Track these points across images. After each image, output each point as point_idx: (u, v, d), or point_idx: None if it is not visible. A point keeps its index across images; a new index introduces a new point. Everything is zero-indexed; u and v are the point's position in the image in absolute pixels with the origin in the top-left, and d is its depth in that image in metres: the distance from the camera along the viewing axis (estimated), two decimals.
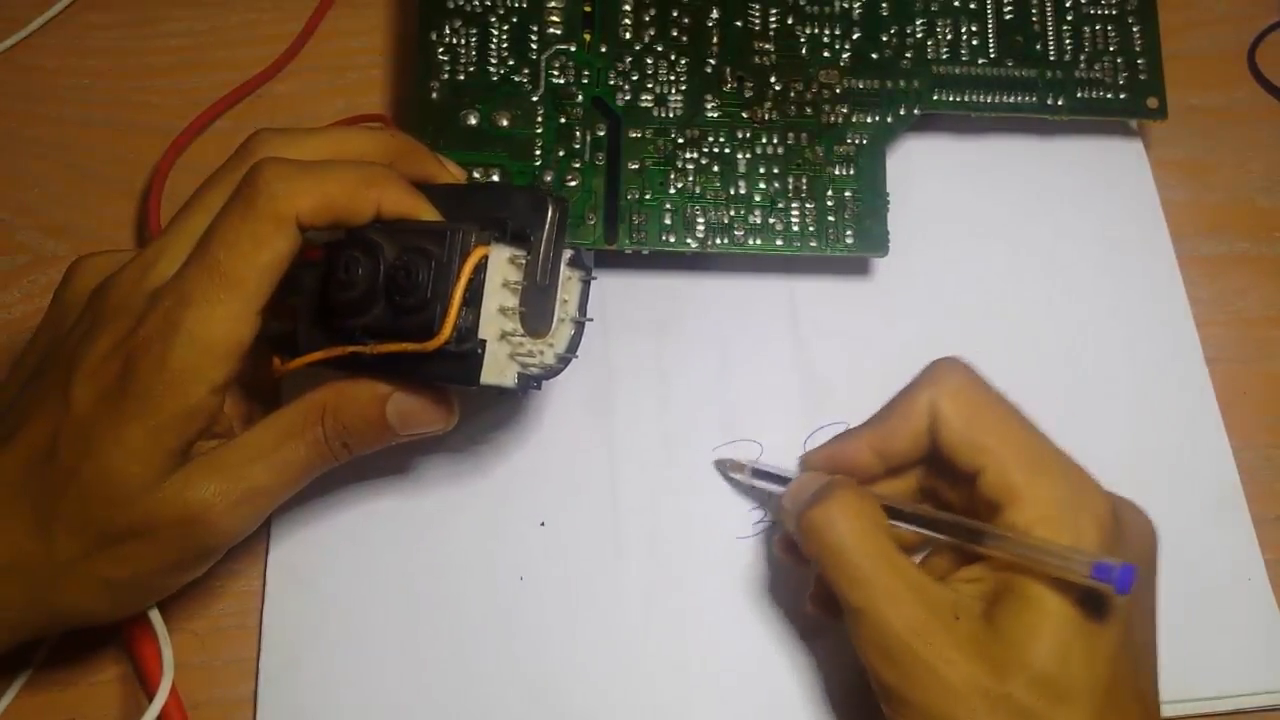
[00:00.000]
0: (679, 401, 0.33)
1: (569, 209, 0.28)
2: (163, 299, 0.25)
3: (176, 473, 0.25)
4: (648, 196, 0.33)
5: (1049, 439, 0.27)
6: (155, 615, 0.29)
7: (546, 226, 0.27)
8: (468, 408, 0.33)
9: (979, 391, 0.27)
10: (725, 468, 0.32)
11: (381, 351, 0.26)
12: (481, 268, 0.25)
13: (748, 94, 0.35)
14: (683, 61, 0.35)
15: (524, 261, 0.26)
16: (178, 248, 0.26)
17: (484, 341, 0.25)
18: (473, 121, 0.34)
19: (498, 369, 0.26)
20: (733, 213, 0.34)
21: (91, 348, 0.25)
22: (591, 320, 0.28)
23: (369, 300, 0.26)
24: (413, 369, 0.26)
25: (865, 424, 0.29)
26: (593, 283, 0.28)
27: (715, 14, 0.35)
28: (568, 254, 0.27)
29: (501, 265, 0.26)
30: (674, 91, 0.34)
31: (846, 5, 0.36)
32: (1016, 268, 0.35)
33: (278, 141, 0.27)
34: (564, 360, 0.28)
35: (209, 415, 0.25)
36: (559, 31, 0.35)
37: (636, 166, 0.34)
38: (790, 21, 0.35)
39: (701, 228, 0.33)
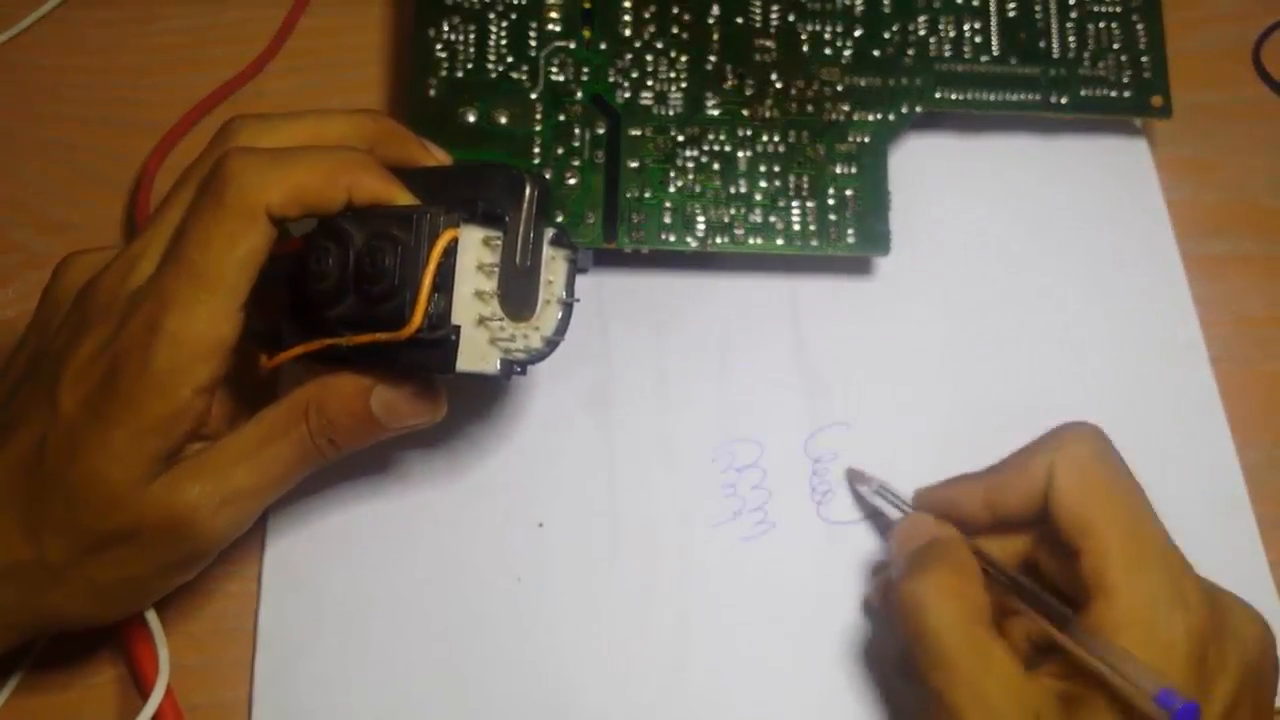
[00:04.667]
0: (679, 401, 0.33)
1: (549, 188, 0.27)
2: (143, 301, 0.25)
3: (162, 476, 0.25)
4: (647, 195, 0.33)
5: (1160, 530, 0.26)
6: (152, 616, 0.29)
7: (525, 206, 0.26)
8: (464, 405, 0.33)
9: (1100, 466, 0.26)
10: (852, 479, 0.32)
11: (357, 343, 0.25)
12: (451, 251, 0.25)
13: (748, 91, 0.34)
14: (683, 59, 0.34)
15: (499, 243, 0.25)
16: (159, 245, 0.26)
17: (458, 328, 0.25)
18: (471, 119, 0.33)
19: (477, 355, 0.25)
20: (733, 211, 0.33)
21: (77, 352, 0.25)
22: (579, 301, 0.27)
23: (341, 291, 0.25)
24: (391, 359, 0.25)
25: (983, 472, 0.28)
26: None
27: (716, 11, 0.35)
28: (550, 233, 0.27)
29: (474, 247, 0.25)
30: (674, 89, 0.34)
31: (849, 2, 0.35)
32: (1019, 267, 0.35)
33: (253, 128, 0.27)
34: (551, 344, 0.27)
35: (195, 417, 0.25)
36: (558, 28, 0.34)
37: (636, 165, 0.33)
38: (792, 19, 0.35)
39: (702, 226, 0.33)
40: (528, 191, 0.26)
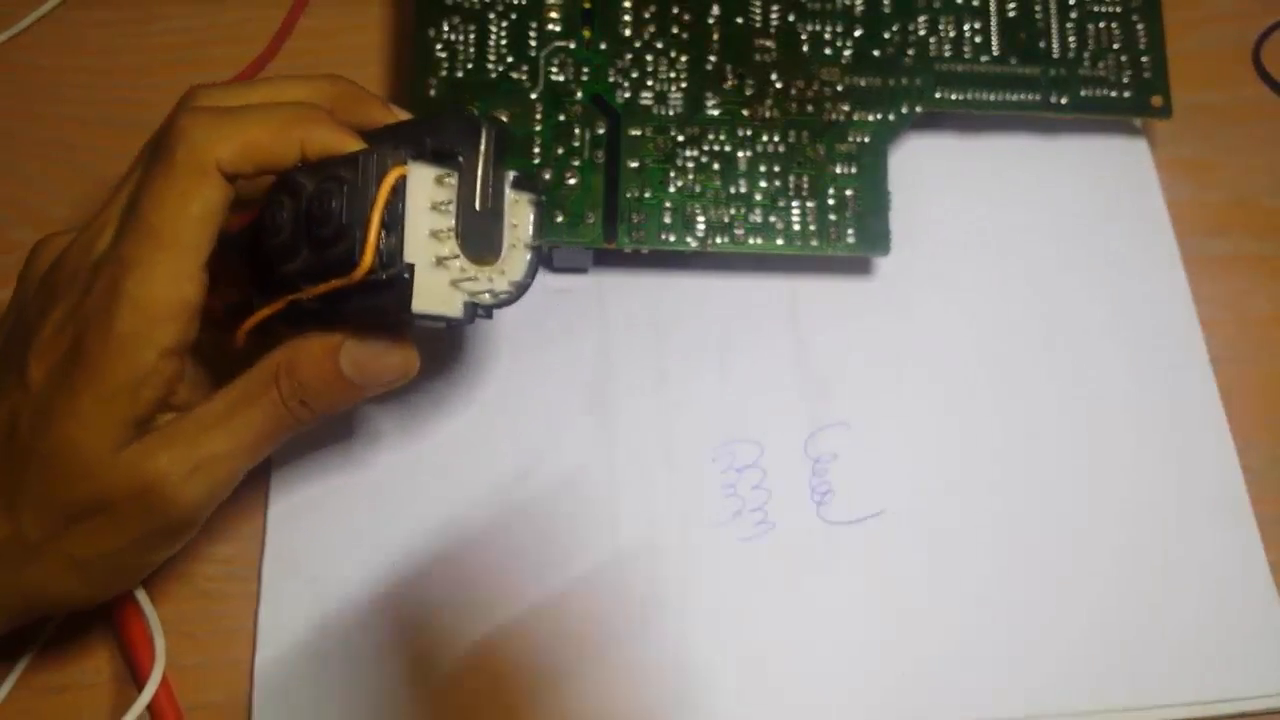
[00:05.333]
0: (679, 402, 0.33)
1: (507, 131, 0.26)
2: (105, 267, 0.25)
3: (133, 444, 0.25)
4: (647, 195, 0.33)
5: None
6: (148, 607, 0.29)
7: (482, 148, 0.25)
8: (466, 404, 0.33)
9: None
10: None
11: (316, 294, 0.25)
12: (400, 189, 0.24)
13: (748, 92, 0.34)
14: (683, 59, 0.34)
15: (453, 181, 0.25)
16: (119, 213, 0.26)
17: (411, 265, 0.24)
18: None
19: (438, 297, 0.25)
20: (733, 211, 0.33)
21: (44, 323, 0.25)
22: (543, 245, 0.27)
23: (296, 243, 0.25)
24: (354, 310, 0.25)
25: None
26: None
27: (716, 11, 0.35)
28: (511, 175, 0.26)
29: (426, 185, 0.25)
30: (674, 89, 0.34)
31: (848, 2, 0.35)
32: (1019, 267, 0.35)
33: (210, 95, 0.26)
34: (520, 287, 0.26)
35: (162, 381, 0.25)
36: (558, 28, 0.34)
37: (636, 165, 0.33)
38: (792, 19, 0.35)
39: (701, 226, 0.33)
40: (484, 133, 0.25)
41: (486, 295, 0.26)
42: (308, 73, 0.28)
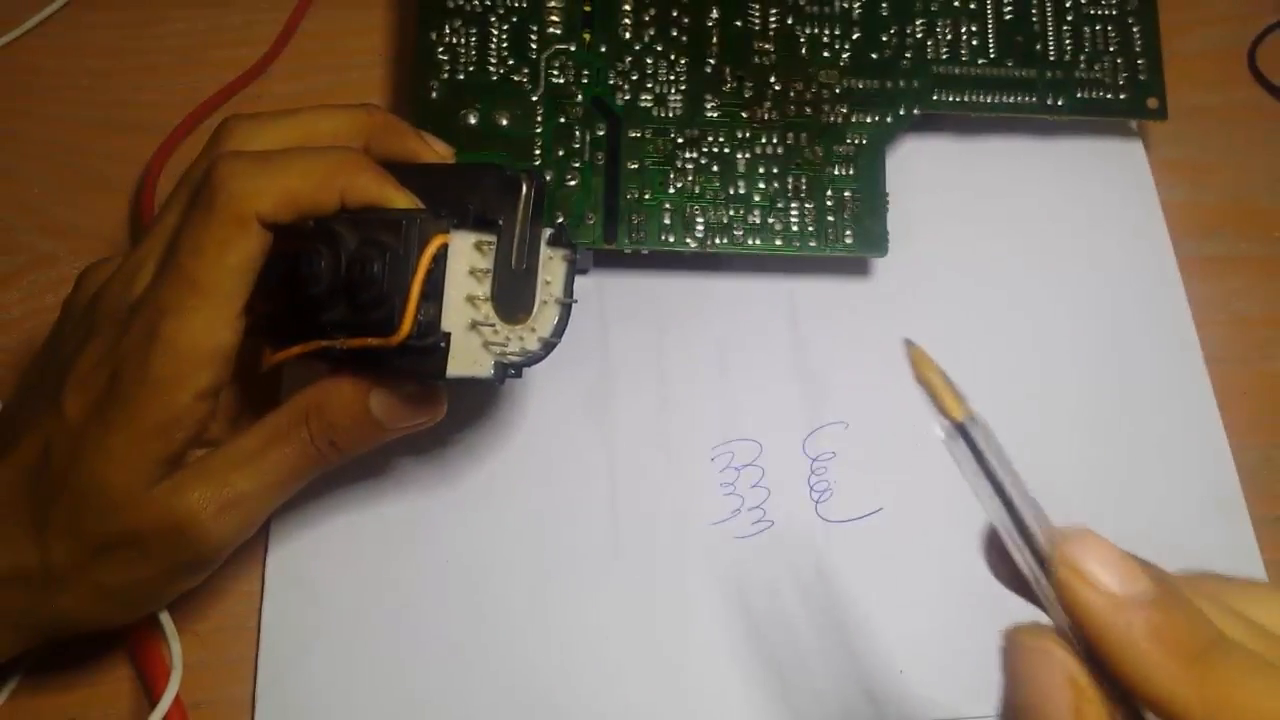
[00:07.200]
0: (679, 401, 0.33)
1: (545, 187, 0.26)
2: (142, 309, 0.25)
3: (164, 481, 0.25)
4: (647, 196, 0.33)
5: None
6: (165, 617, 0.29)
7: (520, 208, 0.26)
8: (465, 404, 0.33)
9: None
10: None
11: (349, 347, 0.25)
12: (440, 258, 0.24)
13: (747, 94, 0.35)
14: (682, 61, 0.35)
15: (491, 247, 0.25)
16: (157, 252, 0.26)
17: (448, 335, 0.25)
18: (472, 121, 0.34)
19: (469, 360, 0.25)
20: (732, 212, 0.34)
21: (82, 358, 0.25)
22: (577, 301, 0.27)
23: (333, 295, 0.25)
24: (385, 363, 0.25)
25: None
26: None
27: (715, 14, 0.35)
28: (548, 232, 0.26)
29: (465, 252, 0.25)
30: (673, 91, 0.34)
31: (846, 5, 0.36)
32: (1016, 268, 0.35)
33: (245, 129, 0.26)
34: (548, 345, 0.26)
35: (195, 422, 0.25)
36: (558, 31, 0.35)
37: (636, 166, 0.34)
38: (790, 21, 0.35)
39: (701, 227, 0.33)
40: (523, 192, 0.26)
41: (516, 355, 0.26)
42: (345, 102, 0.28)
